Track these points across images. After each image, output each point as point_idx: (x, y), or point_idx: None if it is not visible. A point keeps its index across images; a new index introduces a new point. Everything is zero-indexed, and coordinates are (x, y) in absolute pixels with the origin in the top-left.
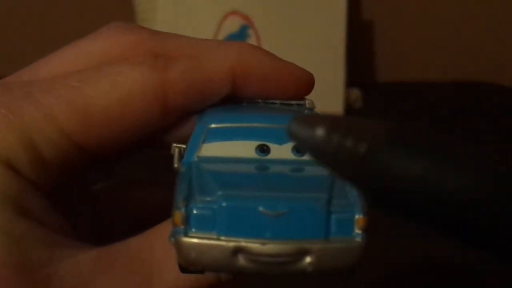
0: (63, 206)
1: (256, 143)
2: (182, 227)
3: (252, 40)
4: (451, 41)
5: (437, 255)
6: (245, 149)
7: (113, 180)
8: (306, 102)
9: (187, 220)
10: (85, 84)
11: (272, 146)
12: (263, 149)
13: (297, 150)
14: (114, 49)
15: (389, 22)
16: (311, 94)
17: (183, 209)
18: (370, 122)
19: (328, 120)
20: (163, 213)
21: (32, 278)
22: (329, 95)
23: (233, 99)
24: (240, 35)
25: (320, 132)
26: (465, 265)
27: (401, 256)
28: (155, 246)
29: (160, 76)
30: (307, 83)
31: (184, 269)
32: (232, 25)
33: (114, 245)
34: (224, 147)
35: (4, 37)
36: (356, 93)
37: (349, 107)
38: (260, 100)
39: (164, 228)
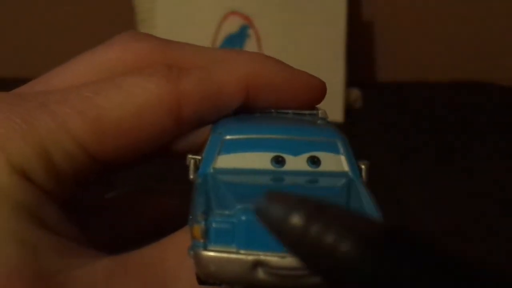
0: (77, 215)
1: (271, 154)
2: (201, 240)
3: (252, 40)
4: (451, 41)
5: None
6: (260, 160)
7: (126, 189)
8: (319, 112)
9: (206, 233)
10: (99, 95)
11: (287, 158)
12: (279, 161)
13: (312, 161)
14: (126, 59)
15: (389, 22)
16: None
17: (202, 223)
18: (357, 216)
19: (308, 206)
20: (176, 221)
21: (46, 285)
22: (329, 95)
23: (246, 109)
24: (240, 35)
25: (296, 219)
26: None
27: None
28: (168, 255)
29: (174, 87)
30: (320, 91)
31: (202, 281)
32: (232, 25)
33: (127, 254)
34: (240, 158)
35: (4, 37)
36: (356, 93)
37: (349, 107)
38: (273, 110)
39: (178, 238)
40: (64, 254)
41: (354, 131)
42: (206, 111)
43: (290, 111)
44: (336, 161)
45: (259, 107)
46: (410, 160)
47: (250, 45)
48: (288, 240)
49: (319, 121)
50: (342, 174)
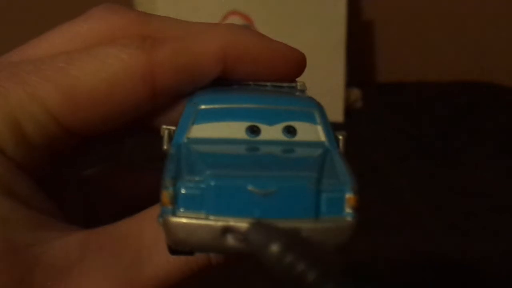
0: (52, 189)
1: (246, 124)
2: (170, 207)
3: None
4: (451, 41)
5: (439, 256)
6: (235, 130)
7: (104, 165)
8: (298, 84)
9: (175, 199)
10: (72, 65)
11: (263, 127)
12: (253, 130)
13: (287, 131)
14: (102, 30)
15: (389, 22)
16: (311, 95)
17: (171, 189)
18: (325, 252)
19: (286, 238)
20: (153, 197)
21: (18, 258)
22: (329, 95)
23: (224, 81)
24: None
25: (275, 248)
26: (466, 265)
27: (403, 255)
28: (145, 229)
29: (147, 57)
30: (299, 63)
31: (173, 250)
32: None
33: (103, 228)
34: (214, 128)
35: (4, 37)
36: (356, 93)
37: (349, 107)
38: (251, 82)
39: (154, 211)
40: (36, 226)
41: (354, 131)
42: (181, 82)
43: (268, 83)
44: (312, 131)
45: (237, 79)
46: (410, 160)
47: None
48: (267, 263)
49: (297, 93)
50: (319, 144)
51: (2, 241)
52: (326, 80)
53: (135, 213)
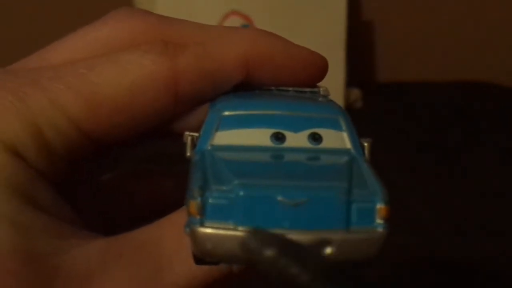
0: (71, 195)
1: (271, 130)
2: (197, 217)
3: None
4: (451, 41)
5: (440, 255)
6: (259, 137)
7: (122, 170)
8: (321, 89)
9: (203, 209)
10: (93, 71)
11: (288, 134)
12: (278, 137)
13: (313, 138)
14: (122, 35)
15: (389, 22)
16: None
17: (198, 199)
18: (316, 256)
19: (280, 244)
20: (173, 203)
21: (40, 268)
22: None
23: (246, 87)
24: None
25: (269, 252)
26: (468, 265)
27: (405, 256)
28: (165, 236)
29: (170, 63)
30: (321, 68)
31: (198, 260)
32: (232, 25)
33: (123, 235)
34: (238, 135)
35: (3, 34)
36: (356, 93)
37: (349, 107)
38: (273, 88)
39: (175, 218)
40: (58, 235)
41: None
42: (204, 88)
43: (290, 88)
44: (338, 138)
45: (259, 84)
46: (410, 160)
47: None
48: (262, 267)
49: (320, 98)
50: (344, 151)
51: (22, 250)
52: (326, 80)
53: (152, 218)
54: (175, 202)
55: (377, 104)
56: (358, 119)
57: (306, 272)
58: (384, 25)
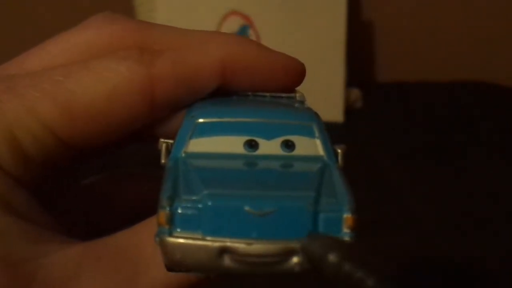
0: (50, 201)
1: (244, 138)
2: (166, 227)
3: None
4: (451, 41)
5: (439, 256)
6: (233, 144)
7: (103, 173)
8: (297, 95)
9: (171, 219)
10: (70, 78)
11: (261, 142)
12: (252, 145)
13: (286, 145)
14: (101, 41)
15: (389, 22)
16: (311, 95)
17: (167, 209)
18: (377, 259)
19: (341, 248)
20: (153, 207)
21: (16, 273)
22: (329, 95)
23: (223, 92)
24: (240, 35)
25: (332, 258)
26: (468, 265)
27: (405, 256)
28: (142, 241)
29: (146, 70)
30: (298, 73)
31: (170, 269)
32: (232, 25)
33: (101, 240)
34: (212, 142)
35: (2, 36)
36: (356, 93)
37: (349, 107)
38: (250, 93)
39: (152, 223)
40: (35, 240)
41: (354, 131)
42: (180, 94)
43: (267, 94)
44: (311, 145)
45: (236, 89)
46: (410, 160)
47: None
48: (326, 273)
49: (296, 104)
50: (317, 158)
51: (0, 256)
52: (326, 80)
53: (135, 221)
54: (155, 205)
55: (377, 104)
56: (358, 119)
57: (372, 277)
58: (384, 25)
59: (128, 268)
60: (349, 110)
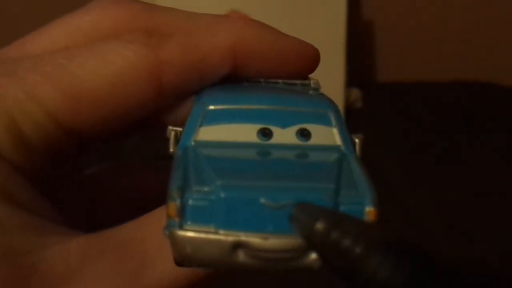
0: (52, 191)
1: (258, 126)
2: (176, 219)
3: None
4: (451, 41)
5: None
6: (246, 132)
7: (106, 163)
8: (312, 82)
9: (182, 212)
10: (73, 62)
11: (275, 130)
12: (265, 133)
13: (301, 134)
14: (105, 24)
15: (389, 22)
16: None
17: (178, 200)
18: (368, 226)
19: (329, 216)
20: (159, 197)
21: (16, 265)
22: (329, 95)
23: (234, 78)
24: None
25: (320, 225)
26: (468, 265)
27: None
28: (149, 233)
29: (154, 54)
30: (312, 59)
31: (179, 263)
32: None
33: (105, 232)
34: (223, 130)
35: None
36: (356, 93)
37: (349, 107)
38: (262, 80)
39: (158, 215)
40: (36, 231)
41: (354, 131)
42: (189, 80)
43: (280, 80)
44: (327, 134)
45: (247, 75)
46: (410, 160)
47: None
48: (313, 241)
49: (311, 92)
50: (334, 148)
51: (0, 247)
52: (326, 80)
53: (138, 213)
54: (160, 196)
55: (377, 104)
56: (358, 119)
57: (359, 244)
58: (384, 25)
59: (134, 261)
60: (349, 110)
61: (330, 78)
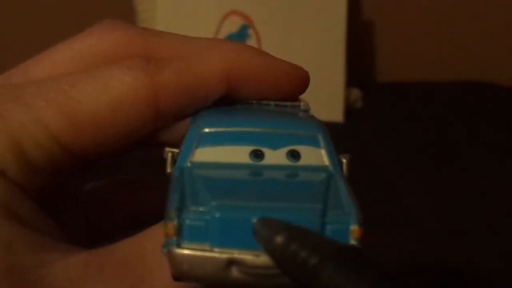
0: (53, 208)
1: (250, 148)
2: (174, 238)
3: (252, 40)
4: (451, 41)
5: (439, 256)
6: (239, 154)
7: (105, 181)
8: (301, 103)
9: (179, 231)
10: (75, 87)
11: (266, 151)
12: (257, 155)
13: (291, 155)
14: (104, 48)
15: (389, 22)
16: (311, 95)
17: (175, 220)
18: (324, 239)
19: (289, 230)
20: (155, 213)
21: (21, 282)
22: (329, 95)
23: (228, 100)
24: (241, 35)
25: (279, 239)
26: (467, 265)
27: (405, 256)
28: (147, 250)
29: (151, 79)
30: (302, 82)
31: (176, 279)
32: (233, 25)
33: (104, 248)
34: (218, 152)
35: (4, 37)
36: (356, 93)
37: (349, 107)
38: (254, 101)
39: (156, 231)
40: (39, 249)
41: (354, 131)
42: (185, 103)
43: (272, 102)
44: (316, 155)
45: (240, 98)
46: (410, 160)
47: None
48: (272, 252)
49: (300, 113)
50: (323, 168)
51: (5, 264)
52: (326, 80)
53: (138, 228)
54: (159, 212)
55: (377, 104)
56: (358, 119)
57: (315, 255)
58: (384, 25)
59: (132, 276)
60: (349, 110)
61: (330, 78)
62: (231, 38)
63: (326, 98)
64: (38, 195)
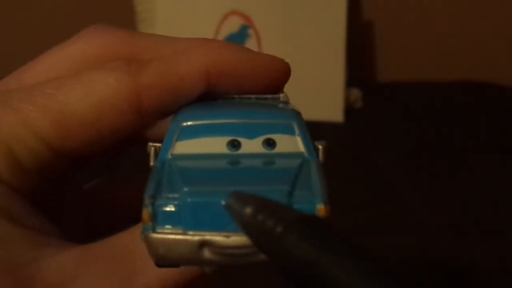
0: (49, 207)
1: (227, 138)
2: (150, 224)
3: (252, 40)
4: (451, 41)
5: (439, 255)
6: (216, 145)
7: (102, 179)
8: (281, 95)
9: (154, 217)
10: (61, 91)
11: (243, 141)
12: (234, 144)
13: (267, 143)
14: (90, 51)
15: (389, 22)
16: (311, 95)
17: (150, 207)
18: (290, 210)
19: (258, 201)
20: None
21: (16, 278)
22: (329, 95)
23: (210, 96)
24: (241, 35)
25: (248, 210)
26: (467, 265)
27: (405, 255)
28: (138, 242)
29: (133, 81)
30: (282, 74)
31: (158, 264)
32: (233, 25)
33: (98, 243)
34: (197, 144)
35: (4, 38)
36: (356, 93)
37: (349, 107)
38: (236, 96)
39: None
40: (33, 245)
41: (354, 131)
42: (167, 102)
43: (253, 96)
44: (292, 143)
45: (222, 93)
46: (410, 160)
47: (250, 45)
48: (242, 223)
49: (280, 105)
50: (298, 155)
51: (0, 261)
52: (326, 80)
53: (132, 224)
54: None
55: (377, 104)
56: (358, 119)
57: (281, 224)
58: (384, 25)
59: (125, 268)
60: (349, 110)
61: (330, 78)
62: (231, 38)
63: (326, 98)
64: (31, 195)
